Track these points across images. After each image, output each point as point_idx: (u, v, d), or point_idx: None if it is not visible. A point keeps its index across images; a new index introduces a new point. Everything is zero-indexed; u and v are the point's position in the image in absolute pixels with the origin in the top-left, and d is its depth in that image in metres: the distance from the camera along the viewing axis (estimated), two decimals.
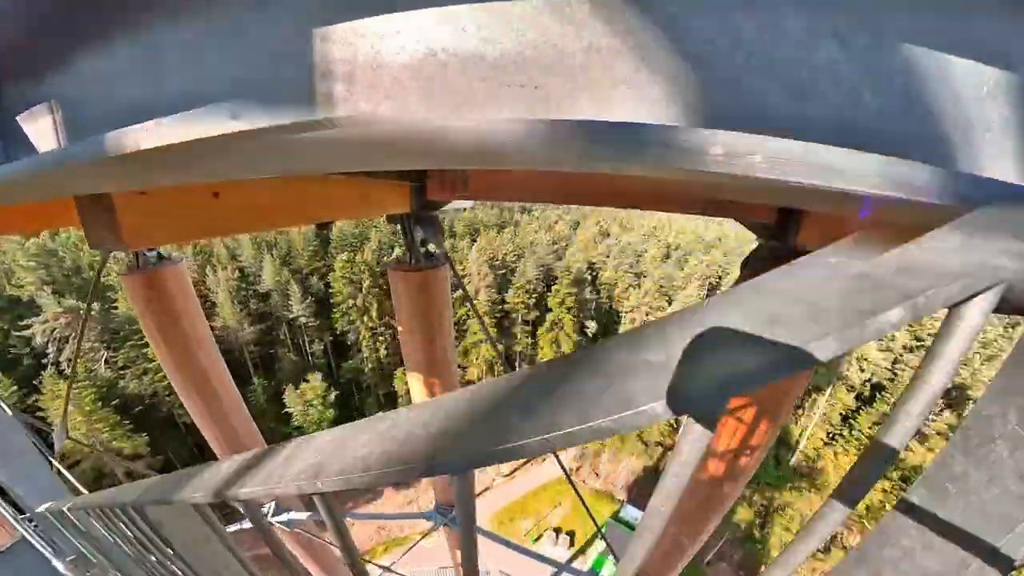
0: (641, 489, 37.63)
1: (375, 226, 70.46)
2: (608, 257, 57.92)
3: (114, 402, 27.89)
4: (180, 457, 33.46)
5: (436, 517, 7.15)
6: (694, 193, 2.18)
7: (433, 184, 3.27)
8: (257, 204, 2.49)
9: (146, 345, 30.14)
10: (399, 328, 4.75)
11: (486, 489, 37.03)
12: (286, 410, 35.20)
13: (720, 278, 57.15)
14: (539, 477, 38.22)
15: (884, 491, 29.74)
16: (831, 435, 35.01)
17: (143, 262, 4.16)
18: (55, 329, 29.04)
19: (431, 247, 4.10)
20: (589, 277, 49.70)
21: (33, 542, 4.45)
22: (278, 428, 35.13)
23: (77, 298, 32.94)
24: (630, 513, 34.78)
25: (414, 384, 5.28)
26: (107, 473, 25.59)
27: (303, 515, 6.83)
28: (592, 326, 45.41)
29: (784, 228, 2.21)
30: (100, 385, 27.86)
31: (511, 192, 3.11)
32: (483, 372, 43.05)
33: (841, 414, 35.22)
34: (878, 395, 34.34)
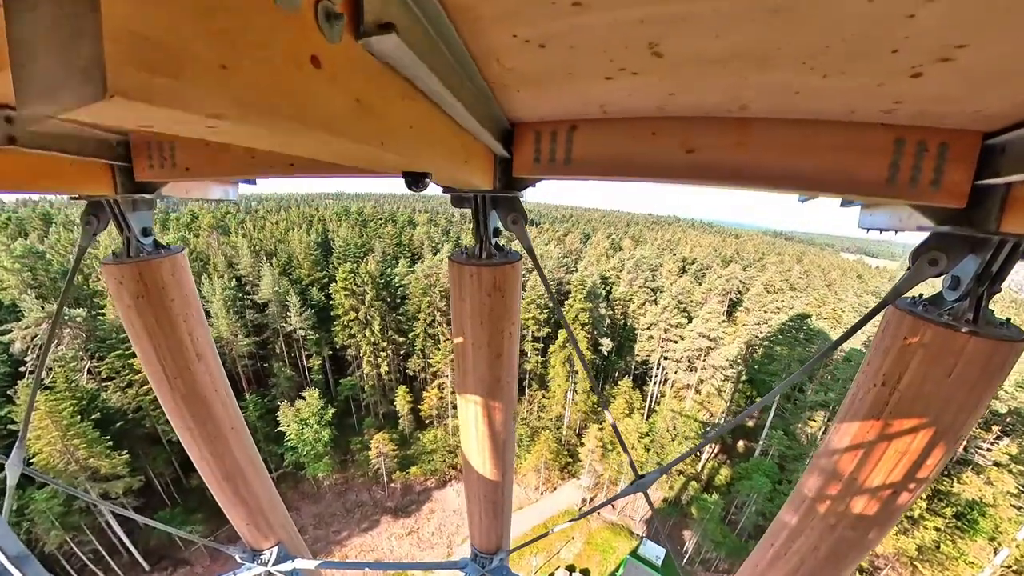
0: (662, 525, 34.88)
1: (379, 236, 69.85)
2: (622, 271, 56.42)
3: (94, 416, 26.20)
4: (162, 477, 31.48)
5: (471, 567, 5.52)
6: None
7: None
8: None
9: (133, 355, 28.67)
10: (456, 338, 3.51)
11: None
12: (279, 429, 33.27)
13: (740, 293, 55.34)
14: (549, 509, 35.71)
15: (937, 529, 26.96)
16: None
17: (135, 249, 3.24)
18: (36, 336, 27.70)
19: (504, 237, 3.10)
20: (603, 292, 48.03)
21: None
22: (271, 448, 33.18)
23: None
24: (650, 550, 32.19)
25: (467, 406, 3.89)
26: (77, 496, 23.69)
27: (311, 563, 5.68)
28: (607, 344, 43.47)
29: (980, 209, 1.66)
30: (80, 397, 26.24)
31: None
32: None
33: None
34: None
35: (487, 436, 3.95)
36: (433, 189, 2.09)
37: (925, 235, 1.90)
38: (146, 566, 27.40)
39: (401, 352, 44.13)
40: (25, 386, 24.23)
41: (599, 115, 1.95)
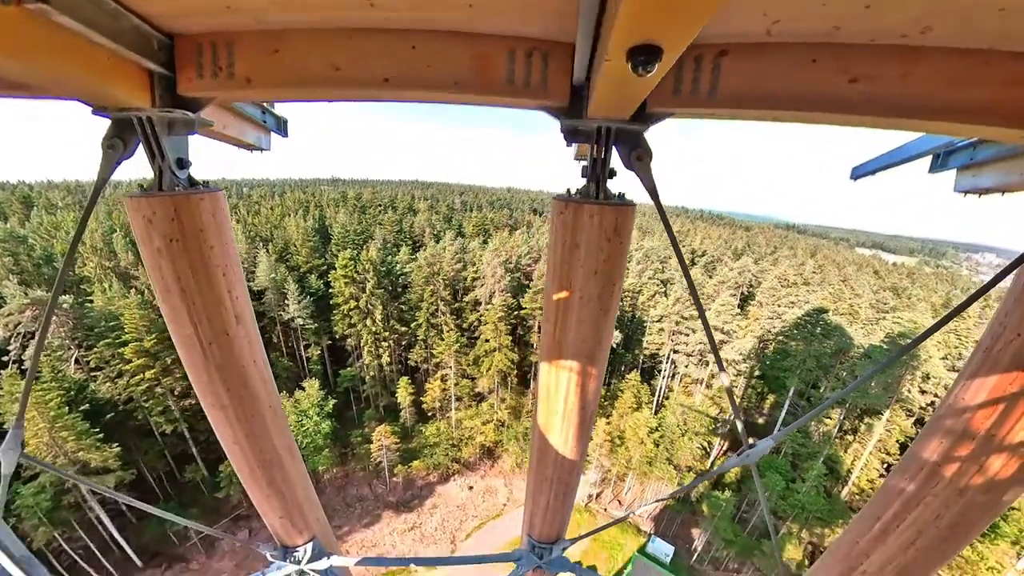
0: (670, 521, 34.75)
1: (379, 223, 68.57)
2: (630, 262, 55.77)
3: (83, 407, 25.29)
4: (155, 471, 30.74)
5: (527, 559, 4.99)
6: None
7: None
8: None
9: (123, 344, 27.60)
10: (558, 292, 3.04)
11: (494, 517, 34.19)
12: None
13: (752, 287, 54.95)
14: None
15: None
16: (888, 466, 32.30)
17: (168, 182, 2.63)
18: (19, 323, 26.60)
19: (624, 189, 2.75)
20: None
21: None
22: None
23: (47, 289, 30.56)
24: (659, 548, 32.11)
25: (557, 373, 3.43)
26: (68, 489, 22.92)
27: (349, 561, 5.25)
28: (615, 336, 42.90)
29: None
30: (68, 388, 25.28)
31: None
32: (495, 384, 40.51)
33: (899, 441, 32.56)
34: None
35: (576, 408, 3.59)
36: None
37: None
38: (139, 563, 26.79)
39: (403, 343, 43.40)
40: (10, 376, 23.23)
41: (762, 38, 1.80)
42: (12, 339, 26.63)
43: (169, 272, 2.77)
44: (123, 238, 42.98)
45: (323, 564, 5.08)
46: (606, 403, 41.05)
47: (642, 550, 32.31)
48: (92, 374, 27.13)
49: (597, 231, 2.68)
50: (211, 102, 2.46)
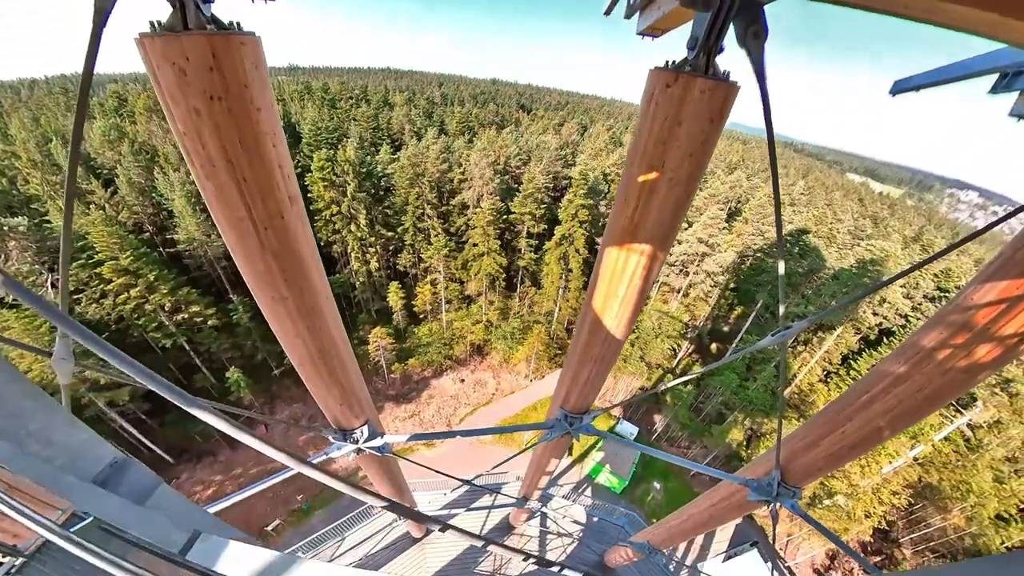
0: (636, 408, 40.06)
1: (353, 119, 61.89)
2: (623, 169, 53.76)
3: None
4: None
5: (559, 426, 5.97)
6: None
7: None
8: None
9: (98, 264, 26.33)
10: (645, 174, 2.93)
11: (484, 404, 38.51)
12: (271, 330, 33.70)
13: (740, 202, 54.79)
14: (538, 393, 39.87)
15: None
16: (827, 373, 36.78)
17: (195, 20, 1.94)
18: None
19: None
20: (604, 189, 46.30)
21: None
22: (270, 347, 34.01)
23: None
24: (625, 428, 37.46)
25: (627, 256, 3.48)
26: (86, 405, 24.15)
27: (401, 438, 5.88)
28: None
29: None
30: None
31: None
32: (483, 287, 41.90)
33: (842, 354, 36.61)
34: (884, 340, 35.45)
35: (636, 292, 3.70)
36: None
37: None
38: (171, 460, 29.40)
39: (390, 247, 43.15)
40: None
41: None
42: None
43: (212, 141, 2.24)
44: (62, 147, 38.03)
45: (378, 442, 5.68)
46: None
47: (611, 429, 37.83)
48: (75, 297, 26.41)
49: (705, 109, 2.49)
50: None
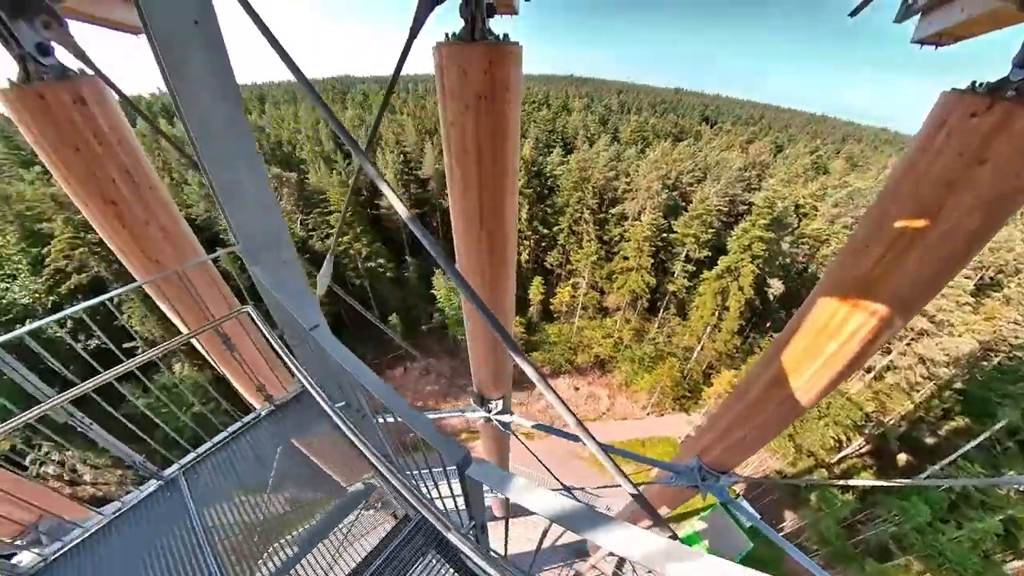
0: (766, 492, 33.75)
1: (533, 121, 65.80)
2: (822, 200, 44.87)
3: (305, 256, 33.69)
4: (347, 313, 40.78)
5: (688, 475, 6.14)
6: None
7: None
8: None
9: (329, 213, 34.58)
10: (904, 217, 2.58)
11: (593, 420, 37.49)
12: (432, 291, 38.99)
13: (1002, 271, 40.12)
14: (651, 429, 37.07)
15: None
16: None
17: (481, 32, 2.45)
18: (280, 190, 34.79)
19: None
20: (793, 222, 39.54)
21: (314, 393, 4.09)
22: (424, 306, 39.55)
23: (282, 168, 38.73)
24: (743, 509, 31.91)
25: (838, 307, 3.44)
26: None
27: (526, 422, 6.58)
28: (776, 287, 37.40)
29: None
30: (296, 241, 33.55)
31: None
32: (624, 303, 40.51)
33: None
34: None
35: (846, 358, 3.22)
36: None
37: None
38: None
39: (542, 244, 45.02)
40: None
41: None
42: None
43: (471, 133, 2.56)
44: (325, 127, 50.15)
45: (507, 418, 6.26)
46: (737, 356, 38.28)
47: (725, 505, 32.81)
48: (310, 233, 35.29)
49: (1019, 144, 1.91)
50: None
